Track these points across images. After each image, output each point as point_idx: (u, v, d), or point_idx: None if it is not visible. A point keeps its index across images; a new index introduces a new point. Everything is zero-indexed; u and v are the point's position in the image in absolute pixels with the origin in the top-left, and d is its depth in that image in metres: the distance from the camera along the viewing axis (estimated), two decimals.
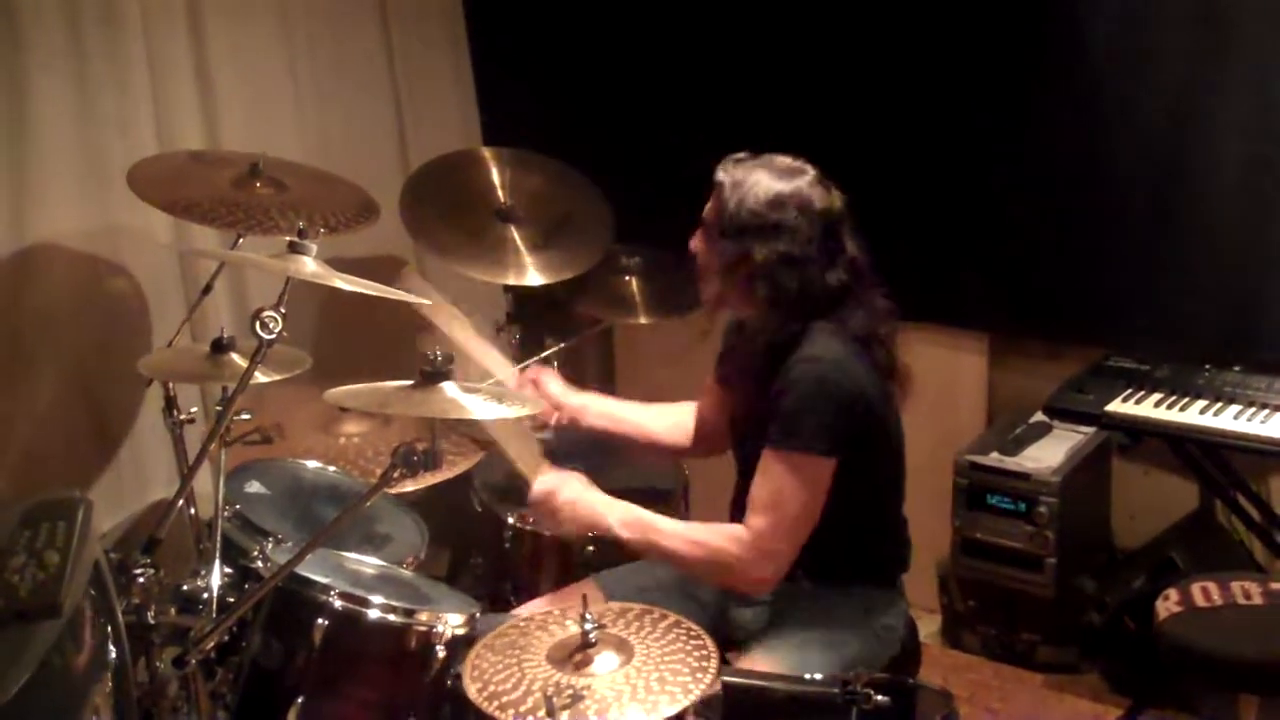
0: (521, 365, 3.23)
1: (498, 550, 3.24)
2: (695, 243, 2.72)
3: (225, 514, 2.70)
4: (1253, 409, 3.32)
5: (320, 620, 2.44)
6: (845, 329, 2.58)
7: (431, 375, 2.37)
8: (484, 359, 3.07)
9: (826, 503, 2.55)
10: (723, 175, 2.64)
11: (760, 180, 2.59)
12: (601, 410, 3.09)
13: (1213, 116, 3.51)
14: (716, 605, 2.82)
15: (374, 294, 2.57)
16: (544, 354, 3.70)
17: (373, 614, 2.47)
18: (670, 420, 3.08)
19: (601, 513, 2.67)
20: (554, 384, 3.10)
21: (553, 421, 3.06)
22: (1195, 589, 2.99)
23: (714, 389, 2.97)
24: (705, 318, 2.79)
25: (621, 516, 2.65)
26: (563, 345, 3.78)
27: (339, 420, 3.45)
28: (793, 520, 2.53)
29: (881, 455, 2.67)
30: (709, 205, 2.67)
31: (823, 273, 2.59)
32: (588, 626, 2.25)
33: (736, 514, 2.73)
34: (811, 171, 2.62)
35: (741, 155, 2.66)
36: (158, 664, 2.43)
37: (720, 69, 4.17)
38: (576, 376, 3.80)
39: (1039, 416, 3.88)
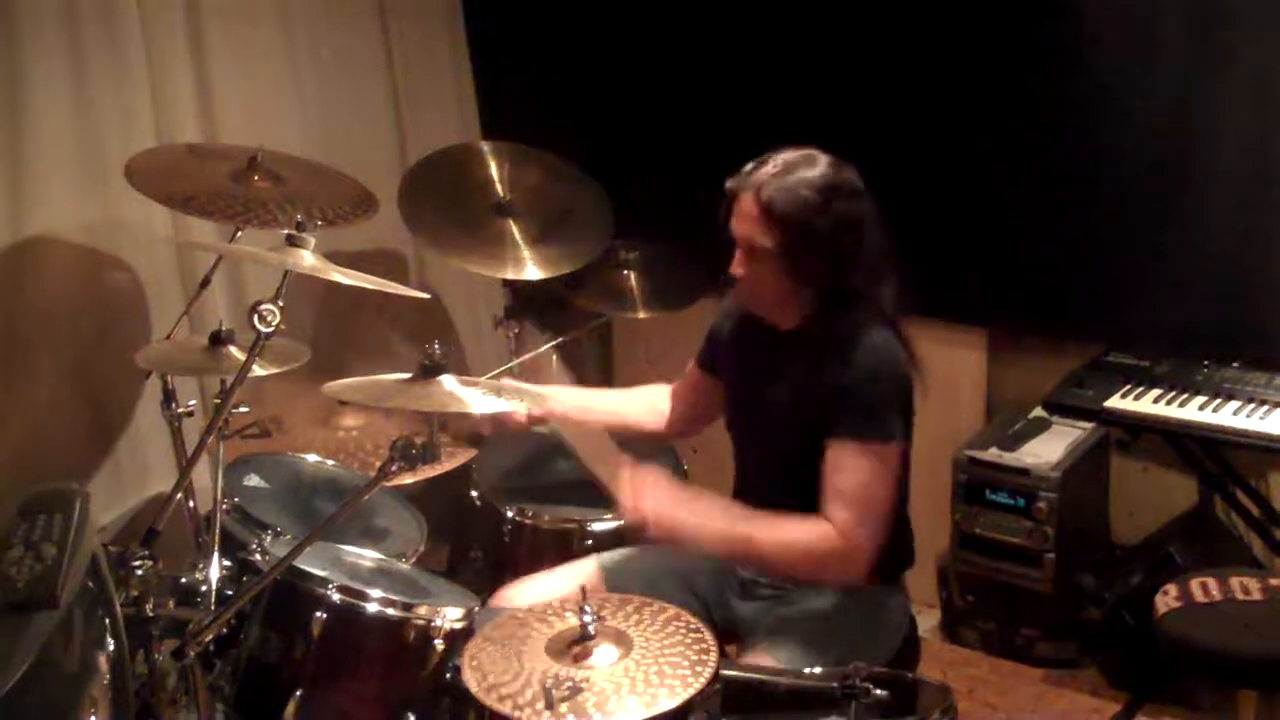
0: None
1: (497, 544, 3.23)
2: (739, 267, 2.62)
3: (224, 507, 2.70)
4: (1252, 405, 3.32)
5: (319, 614, 2.44)
6: (884, 313, 2.58)
7: (430, 369, 2.37)
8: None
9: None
10: (753, 192, 2.54)
11: (798, 182, 2.52)
12: (569, 400, 3.06)
13: (1212, 113, 3.50)
14: (717, 596, 2.81)
15: (372, 287, 2.57)
16: (542, 348, 3.71)
17: (371, 608, 2.47)
18: (644, 404, 3.07)
19: (692, 532, 2.58)
20: (517, 384, 3.07)
21: (535, 415, 3.01)
22: (1194, 584, 3.00)
23: (696, 374, 2.97)
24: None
25: (712, 535, 2.58)
26: (561, 340, 3.79)
27: (338, 413, 3.45)
28: (881, 509, 2.52)
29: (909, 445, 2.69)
30: (747, 227, 2.56)
31: (879, 244, 2.59)
32: (586, 619, 2.24)
33: (739, 502, 2.73)
34: (822, 154, 2.59)
35: (749, 166, 2.59)
36: (156, 656, 2.42)
37: (720, 64, 4.17)
38: (575, 371, 3.81)
39: (1038, 412, 3.88)
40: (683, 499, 2.61)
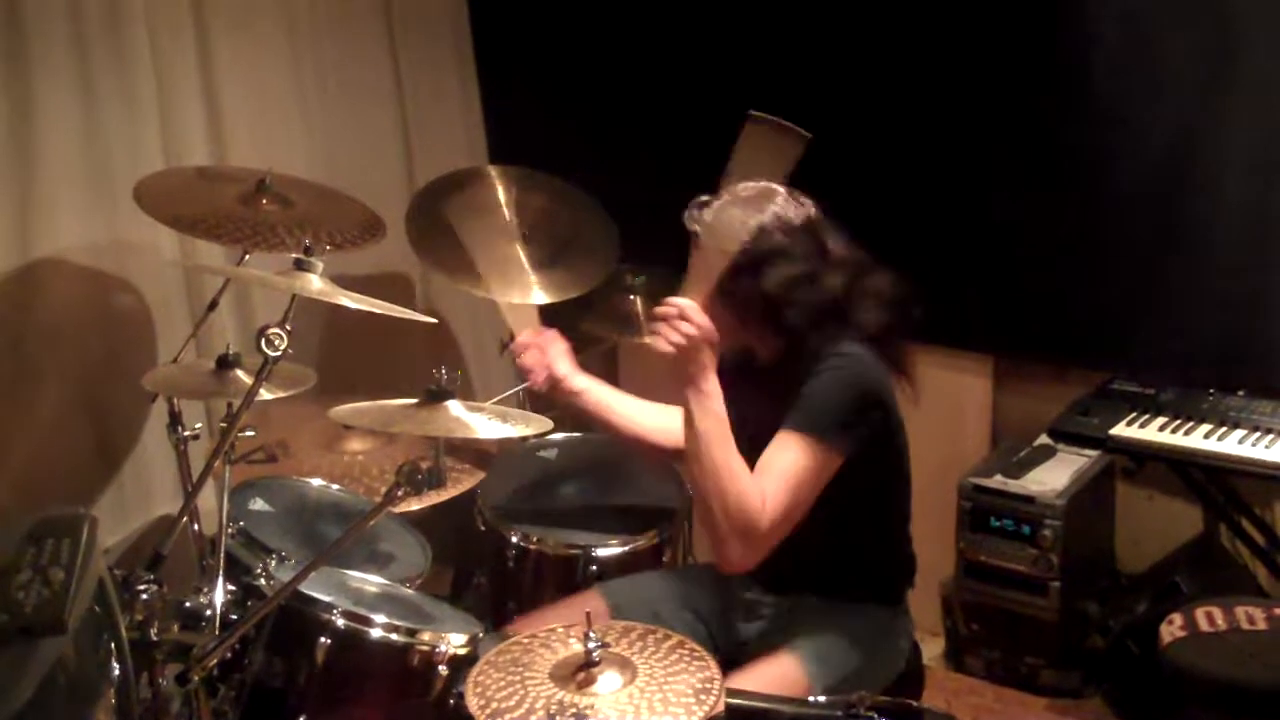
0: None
1: (501, 569, 3.23)
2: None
3: (229, 531, 2.70)
4: (1257, 434, 3.32)
5: (323, 639, 2.44)
6: (861, 333, 2.58)
7: (436, 394, 2.38)
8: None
9: (835, 516, 2.55)
10: (694, 226, 2.62)
11: (734, 218, 2.57)
12: (600, 399, 3.08)
13: (1218, 141, 3.51)
14: (720, 617, 2.81)
15: (379, 312, 2.58)
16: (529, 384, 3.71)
17: (375, 633, 2.47)
18: (658, 421, 3.07)
19: (700, 394, 2.54)
20: (561, 358, 3.09)
21: (538, 383, 3.05)
22: (1199, 614, 2.99)
23: None
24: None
25: (708, 417, 2.53)
26: None
27: (343, 438, 3.45)
28: (799, 505, 2.50)
29: (892, 465, 2.67)
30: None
31: (826, 280, 2.59)
32: (591, 645, 2.24)
33: None
34: (780, 190, 2.62)
35: (704, 198, 2.64)
36: (160, 681, 2.41)
37: (725, 91, 4.17)
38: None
39: (1043, 439, 3.88)
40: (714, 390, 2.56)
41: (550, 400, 3.15)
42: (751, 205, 2.59)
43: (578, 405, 3.08)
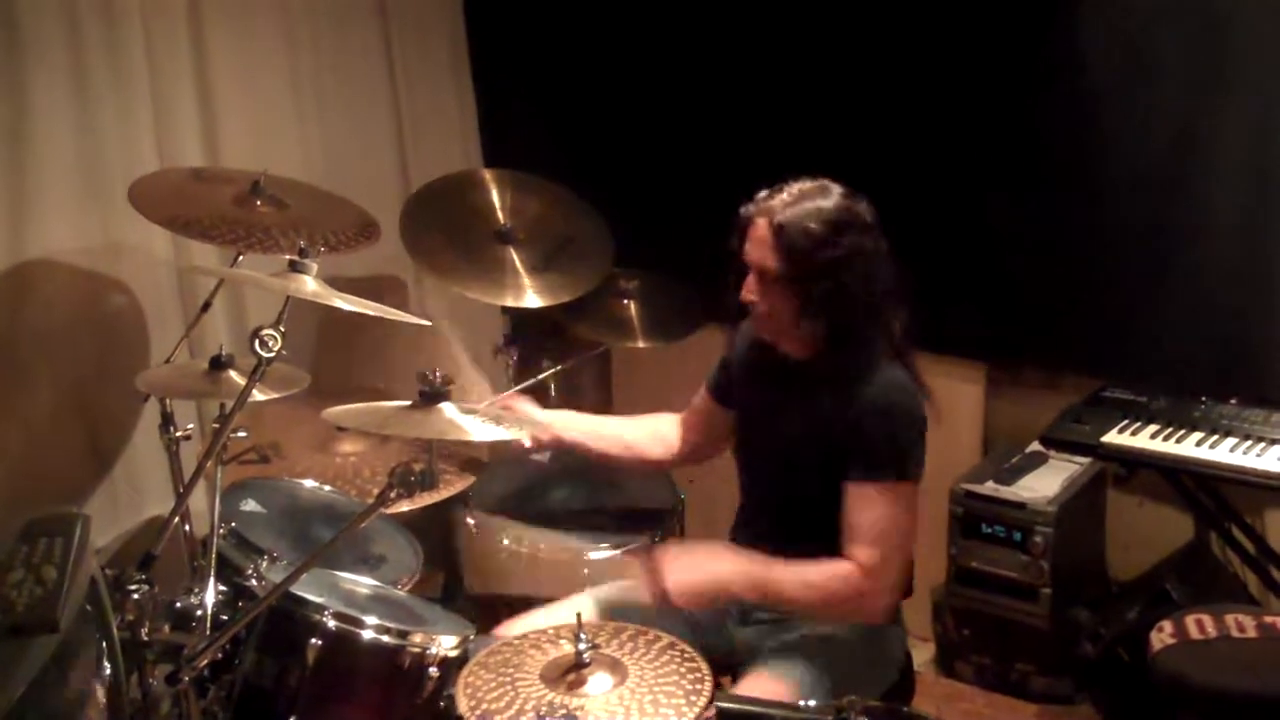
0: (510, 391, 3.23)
1: None
2: (750, 293, 2.64)
3: (220, 531, 2.69)
4: (1249, 442, 3.32)
5: (314, 640, 2.44)
6: (893, 347, 2.60)
7: (430, 396, 2.38)
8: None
9: (835, 527, 2.57)
10: (767, 218, 2.58)
11: (810, 211, 2.55)
12: (577, 426, 3.07)
13: (1211, 150, 3.52)
14: (714, 622, 2.81)
15: (373, 313, 2.58)
16: (541, 376, 3.71)
17: (366, 634, 2.46)
18: (649, 431, 3.08)
19: (718, 589, 2.59)
20: (526, 407, 3.11)
21: (542, 440, 3.05)
22: (1189, 621, 3.00)
23: (708, 402, 2.98)
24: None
25: (739, 583, 2.58)
26: (560, 368, 3.79)
27: (336, 439, 3.45)
28: (901, 548, 2.56)
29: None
30: (760, 252, 2.59)
31: (887, 278, 2.61)
32: (581, 646, 2.25)
33: (741, 533, 2.74)
34: (837, 185, 2.62)
35: (763, 193, 2.62)
36: (151, 681, 2.41)
37: (721, 96, 4.19)
38: (573, 400, 3.81)
39: (1035, 446, 3.88)
40: (700, 561, 2.61)
41: (545, 406, 3.15)
42: (822, 197, 2.58)
43: (565, 442, 3.06)
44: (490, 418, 2.48)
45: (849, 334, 2.59)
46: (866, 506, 2.53)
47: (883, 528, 2.52)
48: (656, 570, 2.58)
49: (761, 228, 2.58)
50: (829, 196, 2.58)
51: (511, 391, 3.47)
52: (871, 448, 2.53)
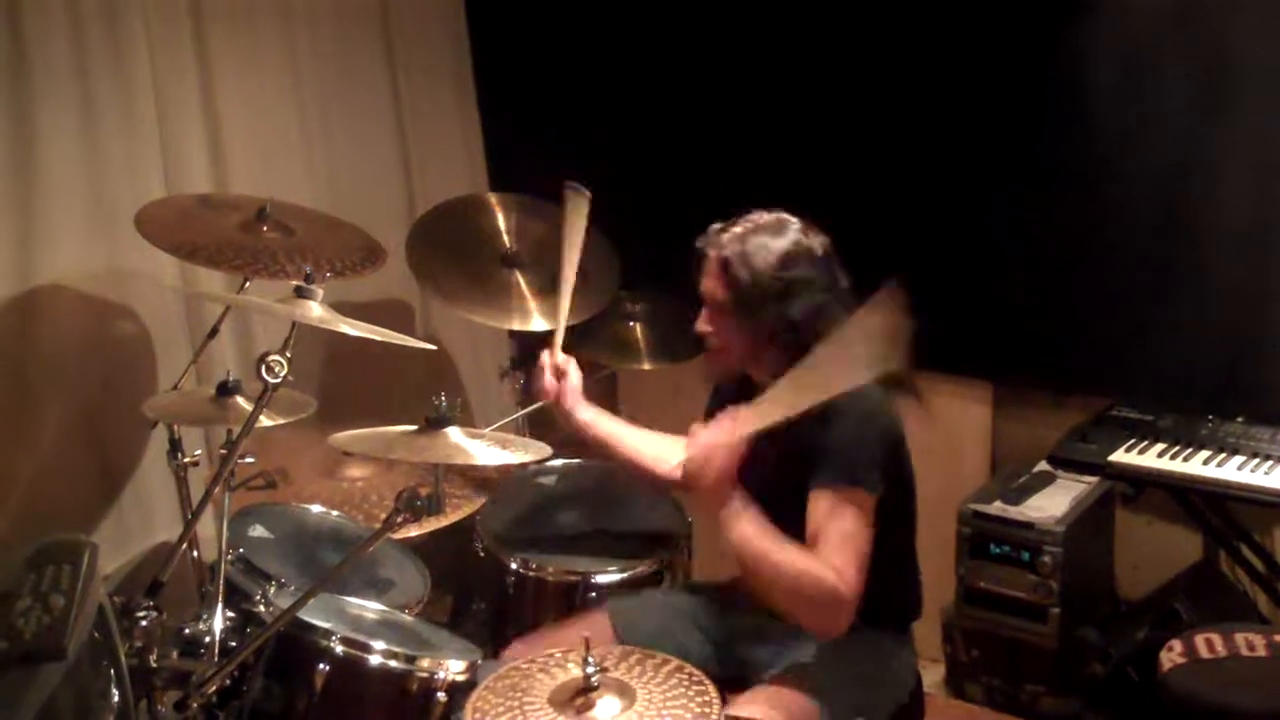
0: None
1: (500, 596, 3.23)
2: (704, 324, 2.72)
3: (228, 557, 2.70)
4: (1256, 460, 3.31)
5: (322, 665, 2.44)
6: None
7: (436, 421, 2.38)
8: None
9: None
10: (716, 251, 2.65)
11: (763, 244, 2.61)
12: (608, 430, 3.09)
13: (1215, 169, 3.52)
14: (725, 640, 2.81)
15: (379, 338, 2.58)
16: (542, 402, 3.71)
17: (374, 660, 2.47)
18: (658, 450, 3.08)
19: (731, 509, 2.53)
20: (574, 391, 3.09)
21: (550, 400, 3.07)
22: (1199, 640, 2.99)
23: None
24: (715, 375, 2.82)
25: (743, 523, 2.52)
26: None
27: (343, 464, 3.45)
28: (864, 558, 2.49)
29: (902, 496, 2.68)
30: (710, 284, 2.67)
31: (838, 310, 2.60)
32: (589, 670, 2.24)
33: None
34: (794, 219, 2.66)
35: (718, 225, 2.69)
36: (159, 707, 2.41)
37: (725, 119, 4.20)
38: None
39: (1043, 466, 3.87)
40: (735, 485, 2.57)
41: (551, 425, 3.15)
42: (773, 232, 2.63)
43: (585, 436, 3.09)
44: (496, 441, 2.48)
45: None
46: (828, 513, 2.49)
47: (846, 536, 2.47)
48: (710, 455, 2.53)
49: (711, 261, 2.66)
50: (780, 230, 2.63)
51: (521, 413, 3.47)
52: (835, 456, 2.52)
